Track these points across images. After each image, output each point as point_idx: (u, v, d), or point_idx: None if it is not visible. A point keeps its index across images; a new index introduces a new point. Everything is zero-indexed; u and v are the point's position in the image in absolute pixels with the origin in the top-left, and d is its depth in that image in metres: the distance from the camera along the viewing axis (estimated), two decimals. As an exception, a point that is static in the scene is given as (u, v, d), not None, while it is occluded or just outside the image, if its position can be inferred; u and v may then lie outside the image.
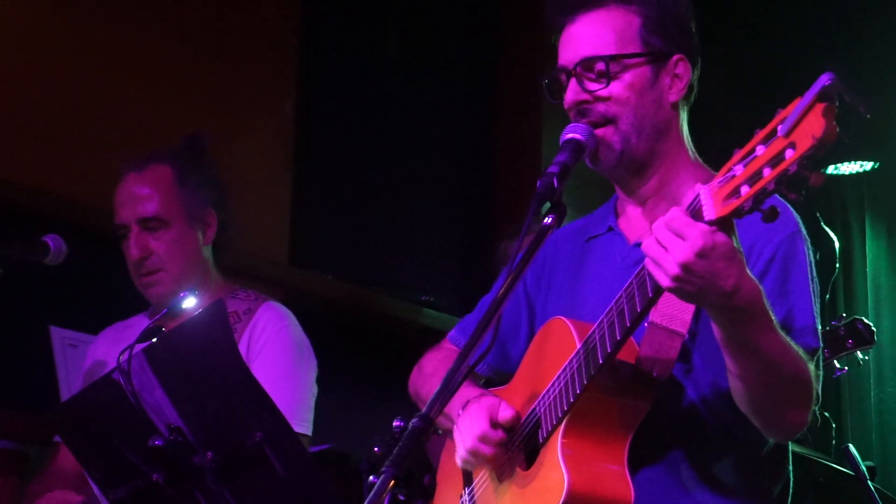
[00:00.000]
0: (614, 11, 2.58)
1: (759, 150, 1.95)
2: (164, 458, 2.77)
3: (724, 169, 2.03)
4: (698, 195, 2.10)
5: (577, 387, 2.38)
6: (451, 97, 6.34)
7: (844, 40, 6.25)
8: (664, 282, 2.15)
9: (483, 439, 2.50)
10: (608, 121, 2.54)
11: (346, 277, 5.61)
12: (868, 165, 6.57)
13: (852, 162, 6.55)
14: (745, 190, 1.98)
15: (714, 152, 2.47)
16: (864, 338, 4.76)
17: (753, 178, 1.97)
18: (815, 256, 2.51)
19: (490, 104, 6.46)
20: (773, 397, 2.33)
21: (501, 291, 2.30)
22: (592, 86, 2.55)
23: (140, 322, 3.60)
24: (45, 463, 3.74)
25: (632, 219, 2.64)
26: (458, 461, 2.58)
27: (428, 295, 5.89)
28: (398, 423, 2.13)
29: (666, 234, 2.13)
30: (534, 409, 2.51)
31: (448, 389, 2.16)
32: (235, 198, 3.74)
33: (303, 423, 3.48)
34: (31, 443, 4.28)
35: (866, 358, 4.98)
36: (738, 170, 1.99)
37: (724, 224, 2.11)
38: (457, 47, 6.40)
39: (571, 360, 2.41)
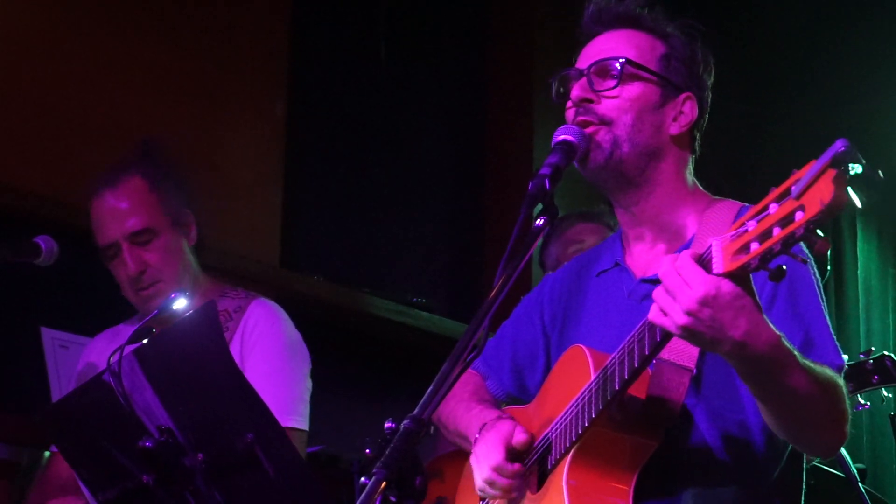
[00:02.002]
0: (643, 34, 2.65)
1: (772, 208, 1.97)
2: (154, 460, 2.76)
3: (738, 223, 2.05)
4: (710, 246, 2.11)
5: (586, 418, 2.41)
6: (441, 99, 6.34)
7: (838, 42, 6.27)
8: (673, 329, 2.18)
9: (498, 470, 2.55)
10: (605, 121, 2.57)
11: (336, 279, 5.61)
12: (859, 168, 6.56)
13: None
14: (754, 247, 2.00)
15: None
16: (890, 375, 4.69)
17: (763, 236, 1.99)
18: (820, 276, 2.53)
19: (481, 106, 6.46)
20: (807, 424, 2.35)
21: (493, 294, 2.30)
22: (600, 85, 2.59)
23: (134, 326, 3.59)
24: (43, 471, 3.73)
25: (636, 254, 2.67)
26: (476, 489, 2.62)
27: (419, 297, 5.89)
28: (389, 425, 2.12)
29: (675, 280, 2.15)
30: (547, 433, 2.55)
31: (439, 392, 2.17)
32: (218, 191, 3.73)
33: (298, 417, 3.48)
34: (22, 445, 4.27)
35: (889, 395, 4.93)
36: (751, 225, 2.01)
37: (733, 276, 2.13)
38: (448, 50, 6.41)
39: (584, 391, 2.43)
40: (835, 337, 2.46)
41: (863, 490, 4.33)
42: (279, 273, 5.35)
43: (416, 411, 2.15)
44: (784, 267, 2.00)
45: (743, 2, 6.32)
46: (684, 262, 2.15)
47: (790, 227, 1.93)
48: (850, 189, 1.89)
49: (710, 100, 2.68)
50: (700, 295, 2.12)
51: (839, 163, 1.88)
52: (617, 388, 2.34)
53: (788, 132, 6.27)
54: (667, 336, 2.25)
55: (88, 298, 4.25)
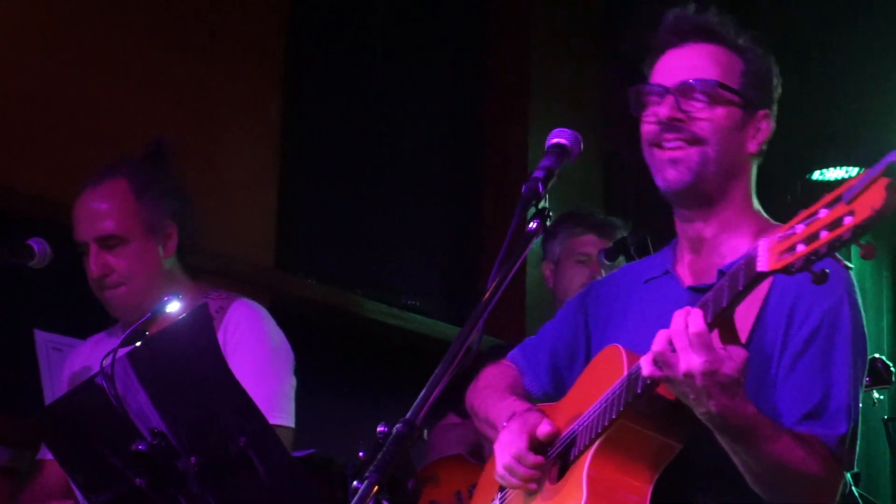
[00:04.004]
0: (722, 49, 2.65)
1: (822, 212, 2.00)
2: (148, 463, 2.76)
3: (787, 225, 2.08)
4: (757, 245, 2.14)
5: (613, 412, 2.42)
6: (437, 102, 6.35)
7: (831, 43, 6.28)
8: (664, 381, 2.27)
9: (519, 458, 2.56)
10: (698, 140, 2.59)
11: (332, 281, 5.60)
12: (854, 171, 6.58)
13: (838, 168, 6.57)
14: (800, 248, 2.03)
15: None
16: (882, 377, 4.72)
17: (810, 239, 2.01)
18: (862, 317, 2.55)
19: (477, 109, 6.47)
20: (775, 492, 2.40)
21: (486, 296, 2.32)
22: (688, 105, 2.60)
23: (115, 334, 3.60)
24: (32, 477, 3.72)
25: (686, 264, 2.69)
26: (496, 475, 2.63)
27: (414, 299, 5.89)
28: (382, 429, 2.12)
29: (681, 339, 2.22)
30: (574, 427, 2.56)
31: (428, 394, 2.18)
32: (196, 206, 3.71)
33: (283, 414, 3.47)
34: (15, 446, 4.27)
35: (881, 398, 4.96)
36: (800, 228, 2.04)
37: (723, 322, 2.23)
38: (444, 51, 6.41)
39: (614, 387, 2.45)
40: (854, 396, 2.48)
41: (856, 494, 4.33)
42: (274, 275, 5.35)
43: (408, 415, 2.16)
44: (827, 271, 2.03)
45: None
46: (695, 326, 2.21)
47: (838, 231, 1.97)
48: None
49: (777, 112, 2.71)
50: (699, 365, 2.20)
51: (893, 172, 1.92)
52: (642, 387, 2.37)
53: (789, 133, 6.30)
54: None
55: (82, 301, 4.24)
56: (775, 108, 2.70)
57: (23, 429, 4.02)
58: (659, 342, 2.25)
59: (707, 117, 2.59)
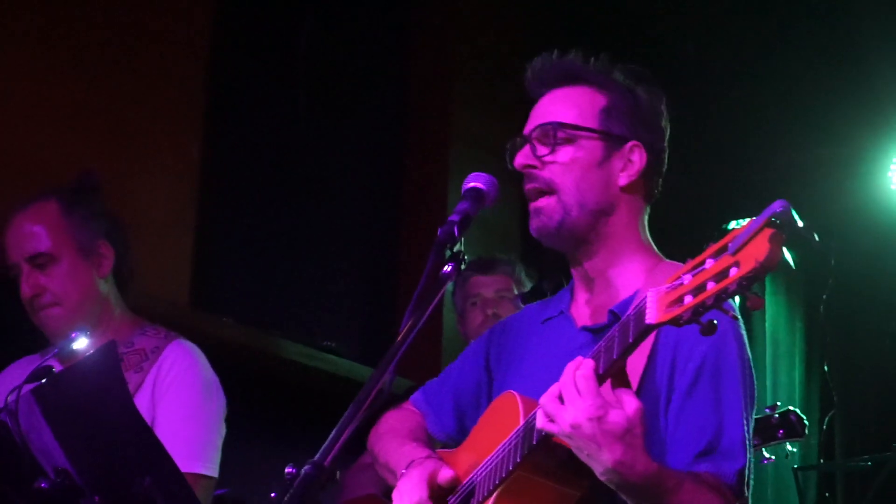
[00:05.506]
0: (583, 89, 2.66)
1: (709, 263, 2.01)
2: (50, 502, 2.70)
3: (674, 276, 2.08)
4: (645, 297, 2.14)
5: (511, 462, 2.41)
6: (357, 144, 6.36)
7: (745, 95, 6.39)
8: (558, 434, 2.26)
9: None
10: (551, 191, 2.59)
11: (247, 321, 5.56)
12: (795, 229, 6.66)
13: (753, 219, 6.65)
14: (688, 300, 2.03)
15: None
16: (795, 430, 4.80)
17: (698, 290, 2.02)
18: (748, 351, 2.53)
19: (396, 153, 6.49)
20: None
21: (399, 339, 2.32)
22: (542, 150, 2.61)
23: (34, 362, 3.52)
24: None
25: (581, 303, 2.69)
26: None
27: (330, 341, 5.86)
28: (290, 470, 2.10)
29: (570, 390, 2.22)
30: (473, 476, 2.55)
31: (338, 435, 2.19)
32: (130, 230, 3.67)
33: (208, 464, 3.43)
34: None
35: (794, 451, 5.02)
36: (687, 279, 2.05)
37: (618, 376, 2.23)
38: (365, 96, 6.43)
39: (512, 436, 2.44)
40: (747, 430, 2.46)
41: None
42: (189, 313, 5.29)
43: (317, 457, 2.15)
44: (715, 322, 2.03)
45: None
46: (583, 375, 2.21)
47: (724, 283, 1.96)
48: (784, 249, 1.94)
49: (665, 141, 2.68)
50: (585, 411, 2.19)
51: (776, 223, 1.92)
52: (537, 439, 2.35)
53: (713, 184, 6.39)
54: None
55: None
56: (659, 137, 2.67)
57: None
58: (548, 397, 2.25)
59: (560, 160, 2.60)
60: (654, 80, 2.70)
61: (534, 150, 2.61)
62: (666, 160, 2.69)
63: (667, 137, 2.69)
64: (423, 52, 6.59)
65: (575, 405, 2.21)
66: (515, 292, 4.65)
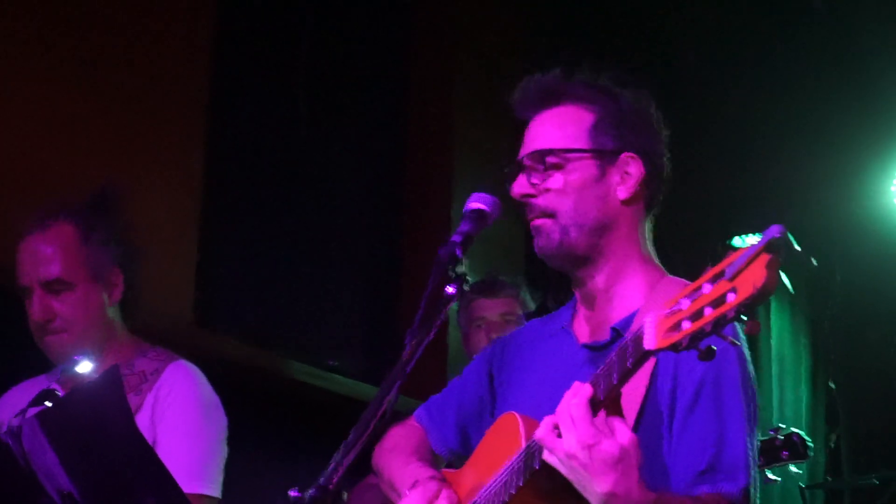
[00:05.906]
0: (569, 108, 2.64)
1: (706, 287, 1.99)
2: (55, 525, 2.71)
3: (672, 300, 2.07)
4: (644, 323, 2.13)
5: (513, 486, 2.41)
6: (361, 157, 6.35)
7: (751, 112, 6.38)
8: (556, 464, 2.26)
9: None
10: (548, 214, 2.59)
11: (251, 339, 5.55)
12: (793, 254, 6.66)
13: (757, 235, 6.64)
14: (686, 325, 2.02)
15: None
16: (798, 451, 4.81)
17: (696, 316, 2.00)
18: (750, 366, 2.51)
19: (400, 166, 6.48)
20: None
21: (403, 360, 2.31)
22: (536, 178, 2.60)
23: (41, 383, 3.52)
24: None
25: (582, 320, 2.69)
26: None
27: (334, 360, 5.85)
28: (294, 494, 2.10)
29: (565, 420, 2.22)
30: (476, 499, 2.54)
31: (342, 459, 2.18)
32: (142, 256, 3.67)
33: (210, 484, 3.41)
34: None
35: (800, 472, 5.02)
36: (685, 304, 2.03)
37: (612, 405, 2.23)
38: (368, 108, 6.42)
39: (514, 459, 2.44)
40: (750, 447, 2.44)
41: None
42: (193, 331, 5.28)
43: (321, 480, 2.14)
44: (714, 348, 2.01)
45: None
46: (577, 403, 2.21)
47: (721, 309, 1.95)
48: (782, 274, 1.92)
49: (662, 143, 2.65)
50: (577, 439, 2.19)
51: (773, 248, 1.90)
52: (540, 463, 2.35)
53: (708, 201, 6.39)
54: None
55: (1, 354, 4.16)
56: (655, 144, 2.64)
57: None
58: (545, 427, 2.25)
59: (553, 186, 2.59)
60: (638, 82, 2.68)
61: (528, 177, 2.62)
62: (667, 164, 2.67)
63: (664, 140, 2.67)
64: (425, 63, 6.59)
65: (569, 434, 2.20)
66: (520, 313, 4.66)
